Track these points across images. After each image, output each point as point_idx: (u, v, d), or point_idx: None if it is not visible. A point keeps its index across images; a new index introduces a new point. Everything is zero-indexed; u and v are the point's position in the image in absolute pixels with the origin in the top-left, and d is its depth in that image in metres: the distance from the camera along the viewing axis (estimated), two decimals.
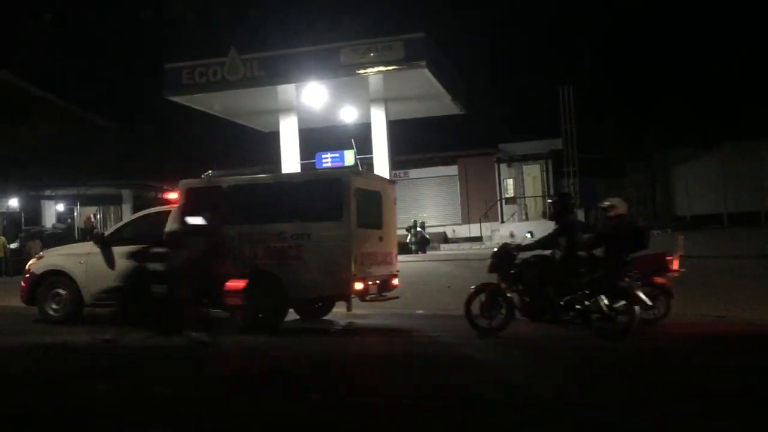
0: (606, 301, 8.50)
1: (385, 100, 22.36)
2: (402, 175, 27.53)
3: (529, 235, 10.03)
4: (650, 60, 32.48)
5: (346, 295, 9.86)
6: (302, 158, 23.10)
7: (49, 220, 30.78)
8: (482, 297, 9.11)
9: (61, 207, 31.48)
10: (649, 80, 29.62)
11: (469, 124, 29.66)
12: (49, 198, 30.91)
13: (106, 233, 12.12)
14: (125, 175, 30.51)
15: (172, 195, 10.89)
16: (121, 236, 10.98)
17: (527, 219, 27.27)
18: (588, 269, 8.75)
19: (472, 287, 9.28)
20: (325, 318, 11.33)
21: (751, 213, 24.76)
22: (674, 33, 33.17)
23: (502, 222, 26.80)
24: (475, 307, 9.12)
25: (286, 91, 21.59)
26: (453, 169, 28.21)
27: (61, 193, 30.69)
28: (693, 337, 9.04)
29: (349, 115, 23.64)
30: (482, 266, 16.54)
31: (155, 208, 12.08)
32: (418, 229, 24.57)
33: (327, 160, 22.24)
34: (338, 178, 10.03)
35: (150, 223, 10.96)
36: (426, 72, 19.82)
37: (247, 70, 20.66)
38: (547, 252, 9.14)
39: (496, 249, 9.70)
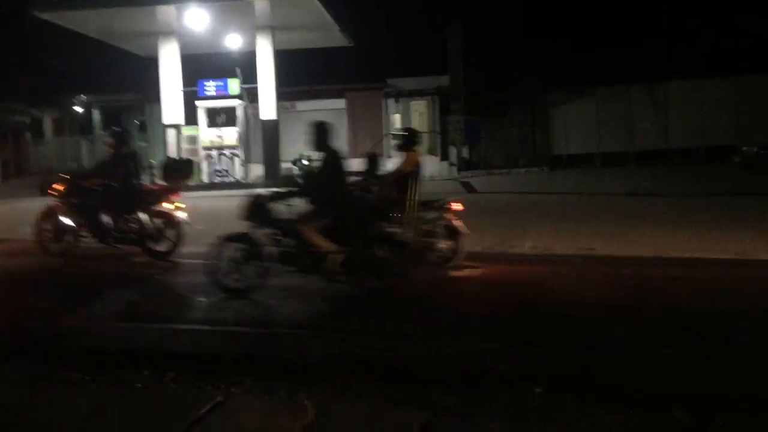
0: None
1: (272, 29, 21.73)
2: (289, 106, 27.07)
3: None
4: (534, 4, 33.25)
5: None
6: (184, 85, 22.21)
7: None
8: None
9: None
10: (531, 23, 30.32)
11: (357, 58, 29.48)
12: None
13: None
14: None
15: None
16: None
17: None
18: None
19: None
20: None
21: (620, 153, 26.38)
22: None
23: (389, 157, 27.03)
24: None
25: (166, 12, 20.55)
26: (340, 103, 27.94)
27: None
28: None
29: (234, 42, 22.81)
30: None
31: None
32: (305, 162, 24.39)
33: (210, 88, 21.52)
34: None
35: None
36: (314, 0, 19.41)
37: None
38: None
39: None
